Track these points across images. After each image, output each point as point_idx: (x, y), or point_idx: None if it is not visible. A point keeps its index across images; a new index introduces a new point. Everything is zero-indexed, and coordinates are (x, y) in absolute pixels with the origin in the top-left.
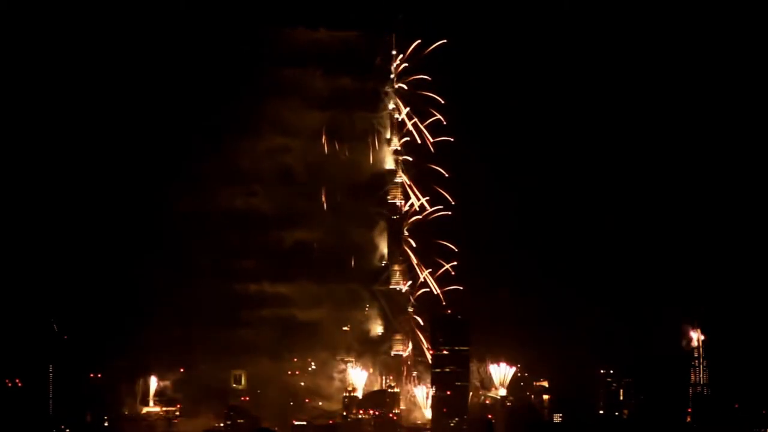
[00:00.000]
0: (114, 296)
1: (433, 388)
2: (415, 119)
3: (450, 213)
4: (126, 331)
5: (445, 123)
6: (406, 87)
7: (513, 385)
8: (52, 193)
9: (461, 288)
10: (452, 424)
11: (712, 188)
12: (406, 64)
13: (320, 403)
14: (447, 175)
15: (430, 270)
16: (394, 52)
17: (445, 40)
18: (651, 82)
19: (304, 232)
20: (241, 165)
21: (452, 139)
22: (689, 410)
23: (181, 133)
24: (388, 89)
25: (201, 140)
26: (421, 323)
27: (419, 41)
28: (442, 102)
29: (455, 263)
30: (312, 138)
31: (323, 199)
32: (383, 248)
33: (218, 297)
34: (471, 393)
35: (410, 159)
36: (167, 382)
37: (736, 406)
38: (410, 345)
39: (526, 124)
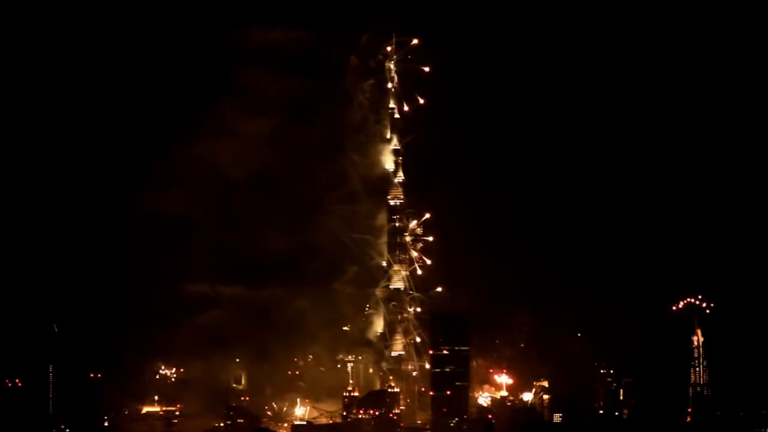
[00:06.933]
0: (112, 296)
1: (433, 388)
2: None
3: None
4: (125, 331)
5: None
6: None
7: (513, 385)
8: (40, 194)
9: (461, 288)
10: (452, 424)
11: (711, 187)
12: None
13: (320, 404)
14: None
15: (430, 270)
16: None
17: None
18: (650, 82)
19: (300, 234)
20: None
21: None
22: (689, 410)
23: (172, 134)
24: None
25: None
26: (421, 323)
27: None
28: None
29: (454, 263)
30: (295, 138)
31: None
32: (383, 249)
33: (217, 297)
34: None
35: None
36: (167, 382)
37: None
38: (410, 345)
39: (522, 123)
